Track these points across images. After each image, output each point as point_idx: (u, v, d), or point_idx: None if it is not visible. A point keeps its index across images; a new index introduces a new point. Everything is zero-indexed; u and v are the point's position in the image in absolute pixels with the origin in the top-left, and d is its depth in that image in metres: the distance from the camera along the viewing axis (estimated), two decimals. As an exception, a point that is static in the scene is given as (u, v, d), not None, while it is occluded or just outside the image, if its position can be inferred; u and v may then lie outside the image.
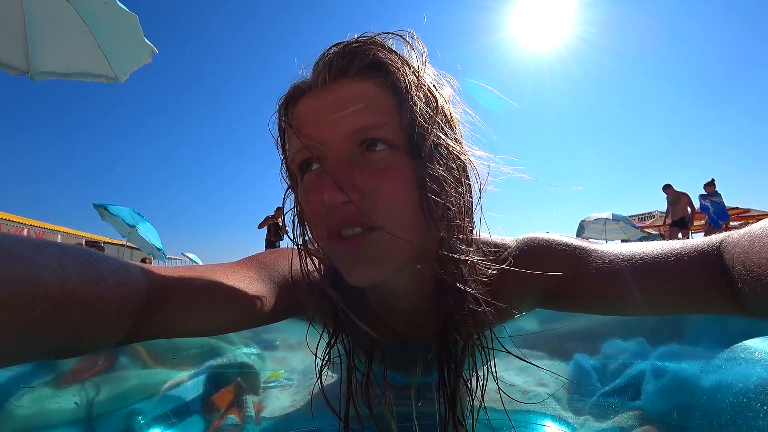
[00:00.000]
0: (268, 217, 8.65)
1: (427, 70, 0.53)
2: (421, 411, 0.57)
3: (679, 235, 8.62)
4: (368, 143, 0.48)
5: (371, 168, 0.47)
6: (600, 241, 0.64)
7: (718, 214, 8.42)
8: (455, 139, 0.53)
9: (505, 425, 0.54)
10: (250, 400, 0.65)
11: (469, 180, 0.54)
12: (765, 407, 0.34)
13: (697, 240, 0.48)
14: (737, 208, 12.44)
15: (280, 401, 0.73)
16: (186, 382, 0.57)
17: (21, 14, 3.11)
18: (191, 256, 17.14)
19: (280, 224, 8.58)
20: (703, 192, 8.74)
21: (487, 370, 0.55)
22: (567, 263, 0.55)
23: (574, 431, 0.61)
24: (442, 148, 0.51)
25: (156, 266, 0.48)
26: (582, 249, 0.56)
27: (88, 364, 0.51)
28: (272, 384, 0.78)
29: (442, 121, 0.51)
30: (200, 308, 0.49)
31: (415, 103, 0.47)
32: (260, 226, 8.62)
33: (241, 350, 0.70)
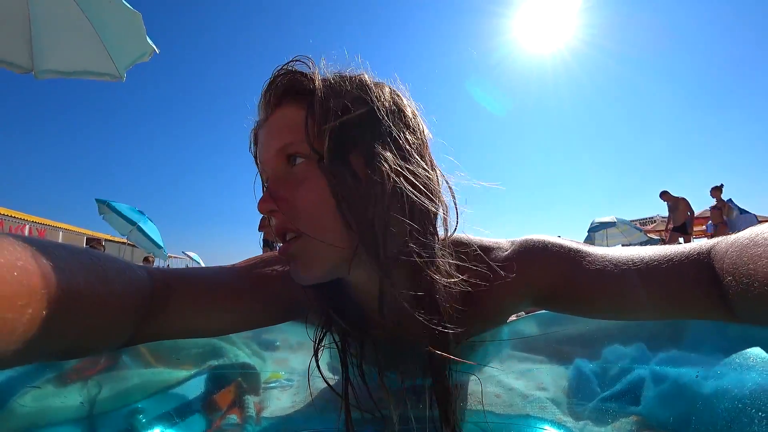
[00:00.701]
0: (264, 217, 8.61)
1: (345, 83, 0.55)
2: (418, 414, 0.57)
3: (681, 240, 8.52)
4: (290, 159, 0.54)
5: (292, 181, 0.53)
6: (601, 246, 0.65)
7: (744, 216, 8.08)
8: (378, 143, 0.53)
9: (504, 429, 0.54)
10: (251, 400, 0.65)
11: (412, 185, 0.53)
12: (760, 413, 0.34)
13: (688, 245, 0.49)
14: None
15: (280, 402, 0.73)
16: (188, 381, 0.58)
17: (26, 12, 3.12)
18: (192, 254, 17.16)
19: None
20: (712, 199, 8.52)
21: (476, 375, 0.55)
22: (562, 265, 0.56)
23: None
24: (359, 153, 0.52)
25: (159, 268, 0.49)
26: (577, 251, 0.57)
27: (90, 362, 0.51)
28: (273, 384, 0.78)
29: (349, 125, 0.52)
30: (202, 310, 0.50)
31: (313, 114, 0.52)
32: (261, 227, 8.58)
33: (242, 350, 0.71)
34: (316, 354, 0.56)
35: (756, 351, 0.40)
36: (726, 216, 8.12)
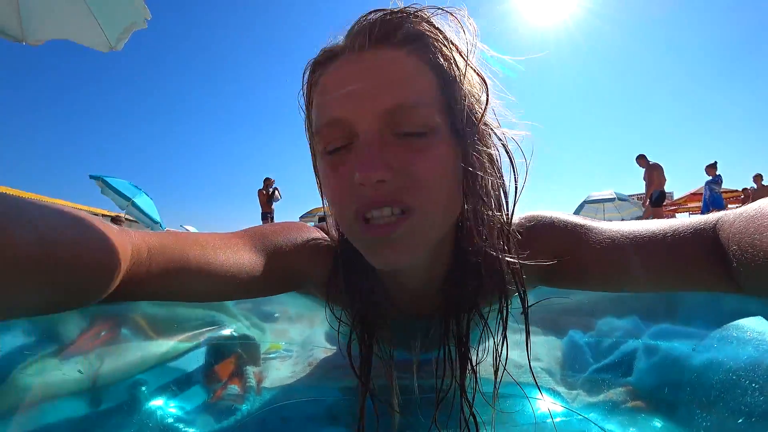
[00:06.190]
0: (260, 191, 8.68)
1: (475, 51, 0.50)
2: (419, 384, 0.58)
3: (648, 216, 7.56)
4: (405, 121, 0.44)
5: (407, 147, 0.45)
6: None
7: (712, 202, 8.13)
8: (490, 112, 0.52)
9: (498, 395, 0.55)
10: (251, 370, 0.66)
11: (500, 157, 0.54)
12: (753, 384, 0.35)
13: (694, 218, 0.49)
14: (736, 190, 12.43)
15: (280, 372, 0.75)
16: (188, 353, 0.58)
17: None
18: (190, 228, 17.16)
19: (269, 193, 8.68)
20: (707, 176, 8.47)
21: (491, 343, 0.56)
22: (569, 240, 0.56)
23: (566, 404, 0.63)
24: (485, 129, 0.51)
25: (145, 231, 0.48)
26: (583, 226, 0.57)
27: (90, 336, 0.51)
28: (272, 355, 0.79)
29: (476, 90, 0.50)
30: (182, 273, 0.48)
31: (462, 86, 0.47)
32: (263, 199, 8.66)
33: (242, 322, 0.72)
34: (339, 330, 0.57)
35: (753, 325, 0.41)
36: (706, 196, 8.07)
